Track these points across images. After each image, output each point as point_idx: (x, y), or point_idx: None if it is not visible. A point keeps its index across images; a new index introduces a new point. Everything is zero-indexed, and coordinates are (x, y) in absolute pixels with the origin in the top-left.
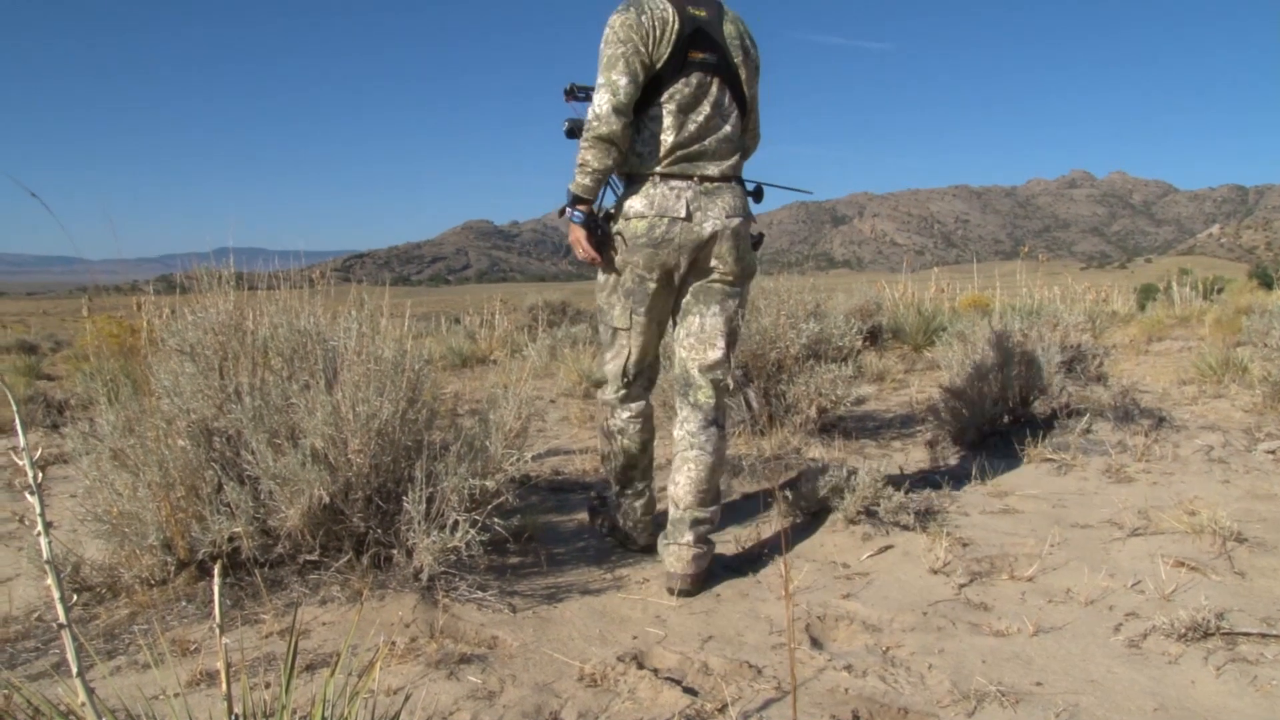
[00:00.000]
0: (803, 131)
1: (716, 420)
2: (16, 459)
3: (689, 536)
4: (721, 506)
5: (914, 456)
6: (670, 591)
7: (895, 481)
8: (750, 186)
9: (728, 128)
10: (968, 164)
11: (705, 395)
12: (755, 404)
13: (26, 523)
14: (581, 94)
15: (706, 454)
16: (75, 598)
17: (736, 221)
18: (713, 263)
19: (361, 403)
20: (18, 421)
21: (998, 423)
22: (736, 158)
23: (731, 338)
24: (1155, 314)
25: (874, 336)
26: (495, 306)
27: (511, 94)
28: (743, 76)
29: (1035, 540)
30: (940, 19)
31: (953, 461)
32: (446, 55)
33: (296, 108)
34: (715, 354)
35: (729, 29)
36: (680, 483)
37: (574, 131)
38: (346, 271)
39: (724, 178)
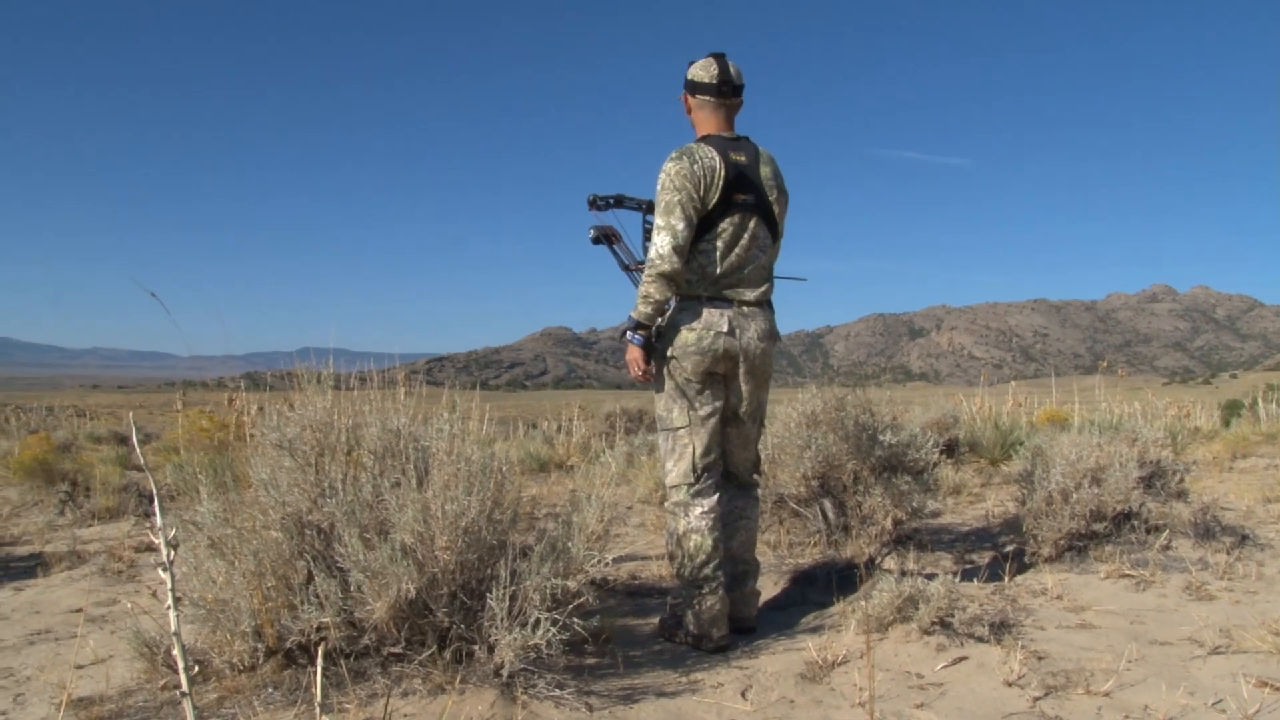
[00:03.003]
0: (881, 246)
1: (753, 493)
2: (153, 536)
3: (751, 583)
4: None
5: (989, 569)
6: (743, 631)
7: (970, 594)
8: None
9: (763, 257)
10: (1046, 278)
11: (746, 478)
12: (831, 515)
13: (130, 605)
14: (602, 203)
15: (752, 520)
16: (165, 680)
17: (766, 344)
18: (746, 376)
19: (450, 501)
20: (155, 503)
21: (1074, 537)
22: (768, 285)
23: (760, 435)
24: (1240, 430)
25: (951, 450)
26: (573, 413)
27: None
28: (776, 212)
29: (1112, 656)
30: (1019, 134)
31: (1029, 575)
32: (526, 166)
33: (382, 211)
34: (753, 452)
35: (764, 170)
36: (737, 544)
37: (599, 239)
38: (428, 374)
39: (758, 302)
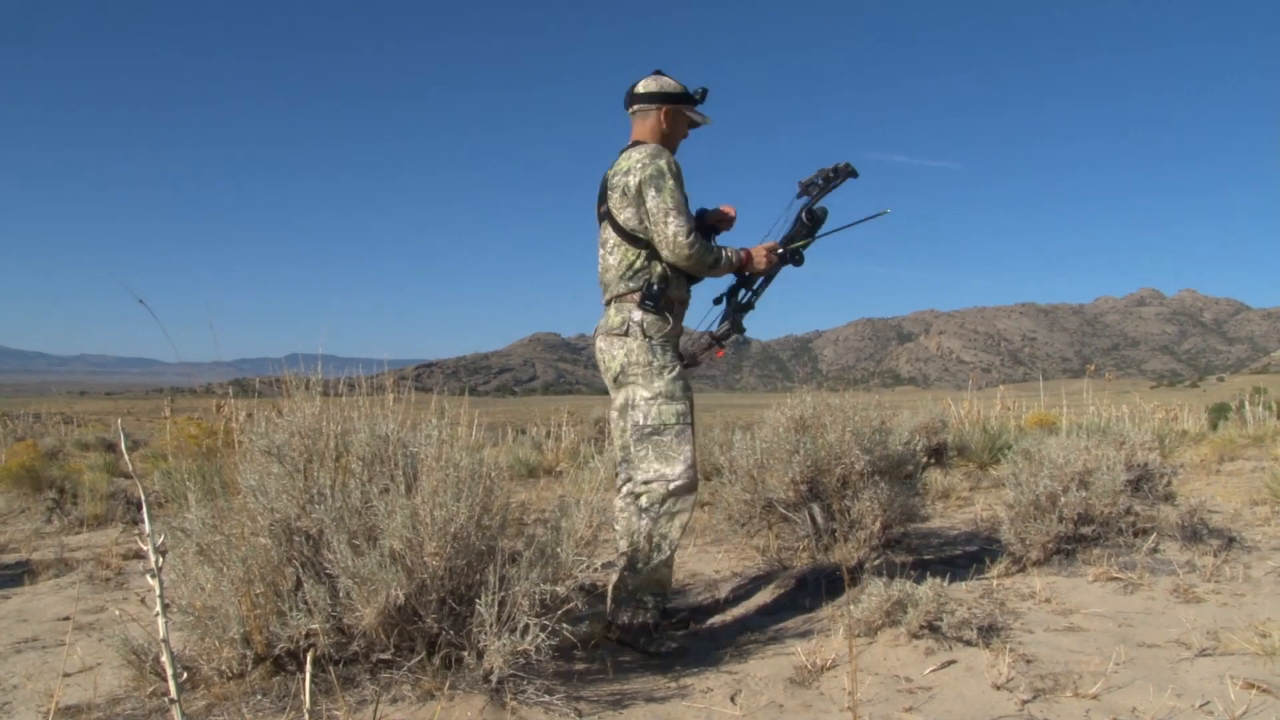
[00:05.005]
0: (870, 250)
1: (637, 502)
2: (142, 543)
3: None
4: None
5: (978, 573)
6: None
7: (959, 597)
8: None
9: (610, 259)
10: (1035, 282)
11: (629, 483)
12: (820, 519)
13: (118, 613)
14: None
15: (627, 524)
16: (153, 687)
17: (600, 338)
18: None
19: (439, 507)
20: (144, 509)
21: (1062, 540)
22: (624, 282)
23: (637, 434)
24: (1227, 433)
25: (939, 454)
26: (562, 418)
27: (583, 207)
28: (613, 213)
29: (1100, 658)
30: (1010, 138)
31: (1017, 579)
32: (516, 171)
33: (371, 218)
34: (621, 454)
35: (607, 173)
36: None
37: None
38: (417, 380)
39: (609, 301)
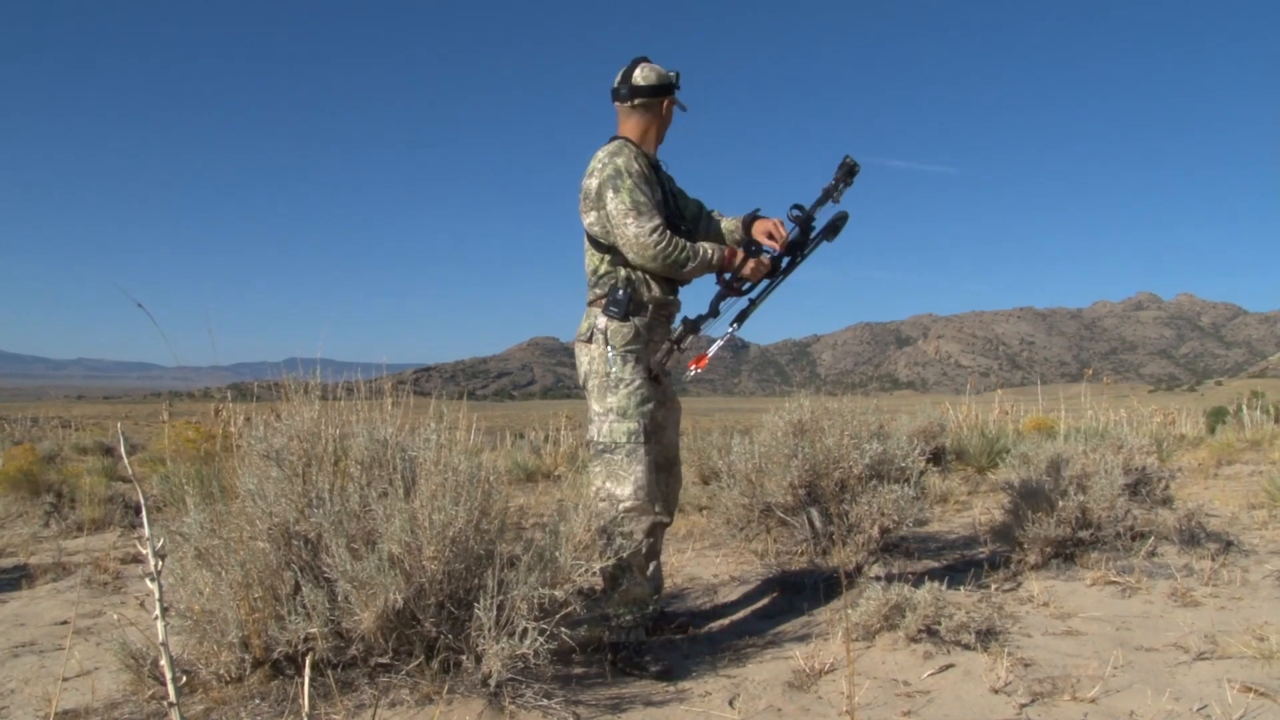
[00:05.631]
0: (869, 254)
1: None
2: (141, 547)
3: None
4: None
5: (976, 577)
6: None
7: (957, 601)
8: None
9: (585, 264)
10: (1033, 286)
11: None
12: (818, 523)
13: (116, 617)
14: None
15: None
16: (152, 691)
17: (574, 344)
18: None
19: (438, 511)
20: (144, 513)
21: (1061, 545)
22: (593, 289)
23: (591, 449)
24: (1225, 437)
25: (937, 458)
26: (560, 422)
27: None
28: (581, 216)
29: (1098, 662)
30: (1007, 143)
31: (1015, 583)
32: (514, 175)
33: (370, 222)
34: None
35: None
36: None
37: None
38: (415, 384)
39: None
